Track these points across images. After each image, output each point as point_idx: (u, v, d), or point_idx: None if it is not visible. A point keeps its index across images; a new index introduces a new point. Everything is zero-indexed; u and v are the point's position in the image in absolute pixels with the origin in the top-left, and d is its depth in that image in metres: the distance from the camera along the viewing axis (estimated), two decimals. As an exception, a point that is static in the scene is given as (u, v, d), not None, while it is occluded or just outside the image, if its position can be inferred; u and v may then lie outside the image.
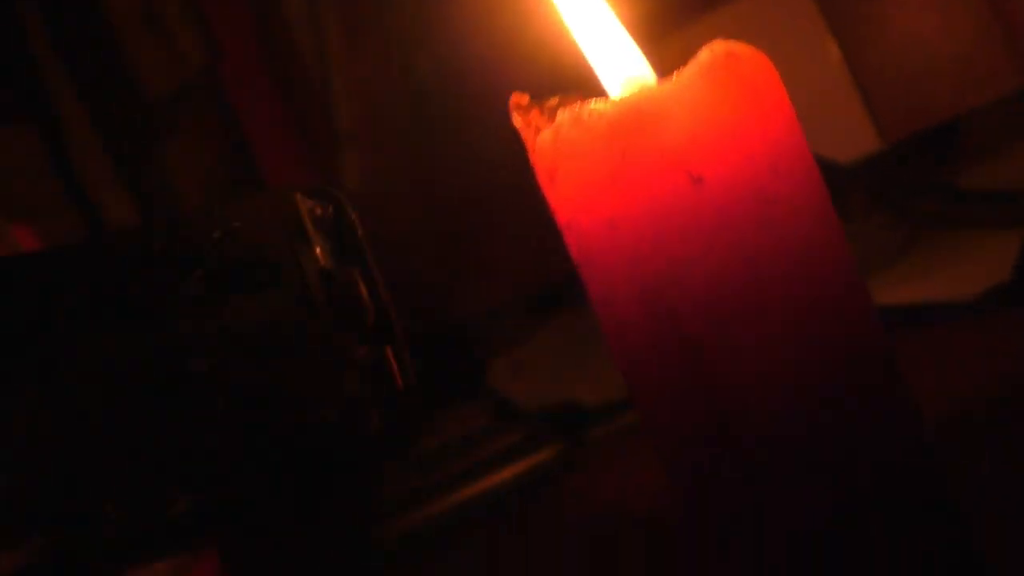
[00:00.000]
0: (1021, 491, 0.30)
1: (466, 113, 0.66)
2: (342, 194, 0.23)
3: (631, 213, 0.21)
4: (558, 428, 0.58)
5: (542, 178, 0.23)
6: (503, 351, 0.73)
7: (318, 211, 0.23)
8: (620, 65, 0.22)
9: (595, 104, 0.21)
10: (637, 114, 0.21)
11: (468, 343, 0.75)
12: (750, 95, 0.21)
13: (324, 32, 0.70)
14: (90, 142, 0.75)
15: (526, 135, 0.23)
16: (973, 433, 0.35)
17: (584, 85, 0.24)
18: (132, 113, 0.76)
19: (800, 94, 0.24)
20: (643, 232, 0.21)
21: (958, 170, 0.56)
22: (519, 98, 0.23)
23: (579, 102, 0.22)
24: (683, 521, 0.23)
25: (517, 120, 0.23)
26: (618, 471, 0.51)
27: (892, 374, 0.23)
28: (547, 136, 0.22)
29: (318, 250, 0.22)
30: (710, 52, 0.21)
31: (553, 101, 0.23)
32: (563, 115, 0.22)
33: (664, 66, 0.23)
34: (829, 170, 0.24)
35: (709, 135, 0.21)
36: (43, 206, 0.77)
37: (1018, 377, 0.38)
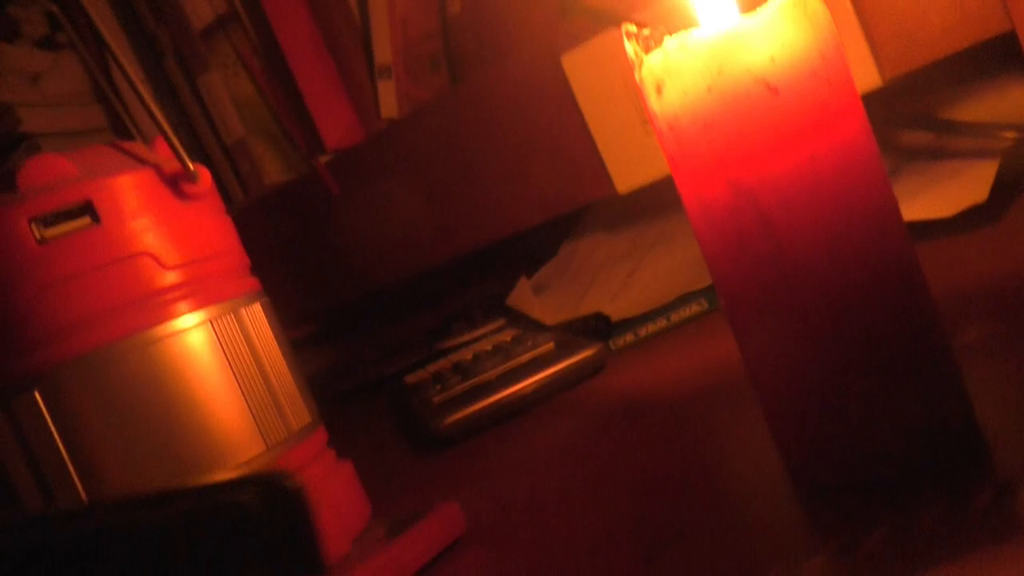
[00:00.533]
0: (997, 356, 0.37)
1: (494, 45, 0.70)
2: (304, 493, 0.22)
3: (723, 116, 0.28)
4: (586, 336, 0.64)
5: (648, 90, 0.29)
6: (522, 273, 0.78)
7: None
8: (713, 3, 0.29)
9: (694, 33, 0.28)
10: (731, 40, 0.27)
11: (490, 263, 0.81)
12: (813, 27, 0.28)
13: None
14: (134, 72, 0.79)
15: (635, 56, 0.29)
16: (958, 315, 0.43)
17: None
18: (175, 44, 0.80)
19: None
20: (731, 131, 0.28)
21: (942, 105, 0.62)
22: (630, 28, 0.29)
23: (682, 31, 0.28)
24: (743, 352, 0.30)
25: (629, 46, 0.29)
26: (647, 369, 0.57)
27: (907, 247, 0.30)
28: (656, 56, 0.28)
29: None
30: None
31: (644, 32, 0.29)
32: (670, 41, 0.28)
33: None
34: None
35: (784, 56, 0.27)
36: (89, 132, 0.81)
37: (991, 279, 0.46)
